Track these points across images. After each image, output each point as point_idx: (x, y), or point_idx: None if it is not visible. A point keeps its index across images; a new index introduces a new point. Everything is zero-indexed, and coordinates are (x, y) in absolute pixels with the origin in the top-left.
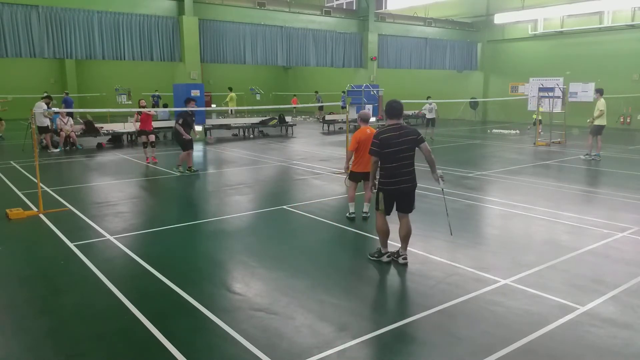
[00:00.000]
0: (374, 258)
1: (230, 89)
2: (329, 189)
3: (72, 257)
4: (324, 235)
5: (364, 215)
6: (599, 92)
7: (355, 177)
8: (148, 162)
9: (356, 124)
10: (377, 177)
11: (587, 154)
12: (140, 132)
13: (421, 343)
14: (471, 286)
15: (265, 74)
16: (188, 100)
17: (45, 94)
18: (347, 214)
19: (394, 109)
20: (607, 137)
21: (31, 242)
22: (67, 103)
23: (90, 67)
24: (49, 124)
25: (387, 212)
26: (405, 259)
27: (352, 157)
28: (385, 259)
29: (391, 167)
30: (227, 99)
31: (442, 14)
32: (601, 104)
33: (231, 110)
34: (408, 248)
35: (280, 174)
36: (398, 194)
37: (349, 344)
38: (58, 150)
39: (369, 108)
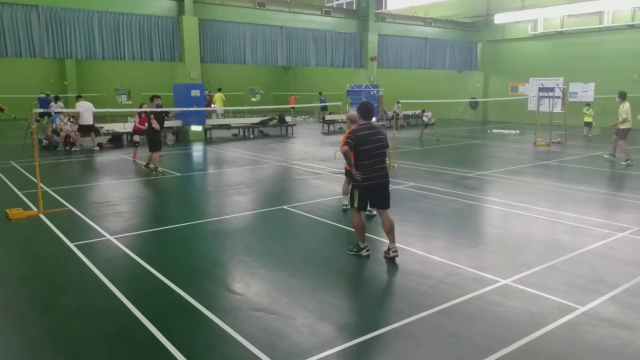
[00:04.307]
0: (352, 253)
1: (219, 90)
2: (329, 189)
3: (72, 257)
4: (324, 235)
5: (345, 207)
6: (621, 96)
7: (346, 173)
8: (135, 160)
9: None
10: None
11: (628, 160)
12: (138, 132)
13: (421, 343)
14: (471, 286)
15: (265, 74)
16: (152, 98)
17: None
18: (342, 205)
19: (368, 110)
20: (606, 137)
21: (31, 242)
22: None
23: (90, 67)
24: (92, 122)
25: (363, 208)
26: (395, 251)
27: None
28: (364, 252)
29: (366, 164)
30: (213, 99)
31: (442, 14)
32: (624, 110)
33: (218, 110)
34: (408, 248)
35: (280, 174)
36: (375, 189)
37: (349, 344)
38: (78, 149)
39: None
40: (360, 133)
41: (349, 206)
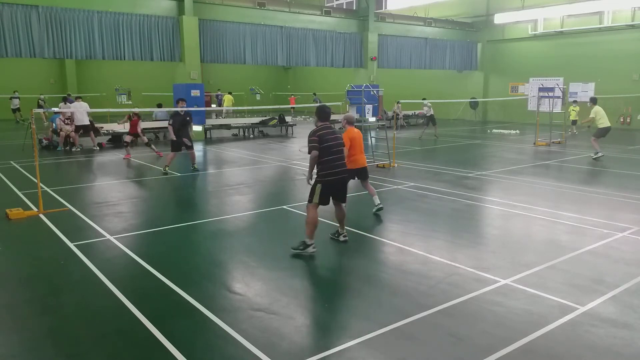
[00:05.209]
0: (298, 250)
1: (230, 93)
2: None
3: (72, 257)
4: (323, 235)
5: (379, 207)
6: (592, 100)
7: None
8: (127, 158)
9: (356, 124)
10: (315, 171)
11: (596, 153)
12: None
13: (421, 343)
14: (471, 286)
15: (265, 74)
16: (178, 101)
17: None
18: None
19: (324, 113)
20: (607, 137)
21: (31, 242)
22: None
23: (90, 67)
24: (89, 122)
25: (325, 203)
26: (345, 236)
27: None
28: (311, 249)
29: (329, 160)
30: (223, 99)
31: (442, 14)
32: (592, 111)
33: (225, 109)
34: (408, 248)
35: (280, 174)
36: (336, 184)
37: (349, 344)
38: (78, 149)
39: (369, 109)
40: (320, 132)
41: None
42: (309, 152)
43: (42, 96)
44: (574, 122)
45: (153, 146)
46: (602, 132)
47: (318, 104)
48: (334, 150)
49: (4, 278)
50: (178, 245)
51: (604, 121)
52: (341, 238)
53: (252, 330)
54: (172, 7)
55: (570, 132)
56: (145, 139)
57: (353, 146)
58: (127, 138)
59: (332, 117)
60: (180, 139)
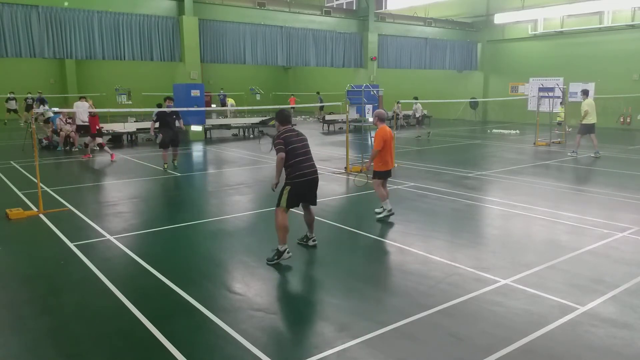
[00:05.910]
0: (274, 262)
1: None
2: (329, 189)
3: (72, 257)
4: (323, 236)
5: (389, 212)
6: (585, 93)
7: (381, 175)
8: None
9: (356, 124)
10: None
11: (573, 151)
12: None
13: (421, 343)
14: (471, 286)
15: (265, 74)
16: (164, 99)
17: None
18: (387, 212)
19: (285, 116)
20: (607, 137)
21: (31, 242)
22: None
23: (90, 67)
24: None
25: (292, 206)
26: (314, 240)
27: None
28: (286, 255)
29: (298, 162)
30: (227, 99)
31: (442, 14)
32: (585, 104)
33: (229, 108)
34: (408, 248)
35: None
36: (306, 186)
37: (349, 344)
38: (78, 149)
39: (369, 109)
40: (284, 135)
41: (392, 211)
42: (278, 152)
43: (29, 95)
44: (560, 123)
45: (88, 148)
46: (589, 129)
47: (320, 103)
48: (301, 152)
49: (4, 278)
50: (178, 245)
51: (592, 117)
52: (310, 242)
53: (252, 330)
54: (172, 7)
55: (566, 131)
56: (88, 139)
57: (385, 148)
58: (92, 142)
59: (332, 117)
60: (166, 136)
